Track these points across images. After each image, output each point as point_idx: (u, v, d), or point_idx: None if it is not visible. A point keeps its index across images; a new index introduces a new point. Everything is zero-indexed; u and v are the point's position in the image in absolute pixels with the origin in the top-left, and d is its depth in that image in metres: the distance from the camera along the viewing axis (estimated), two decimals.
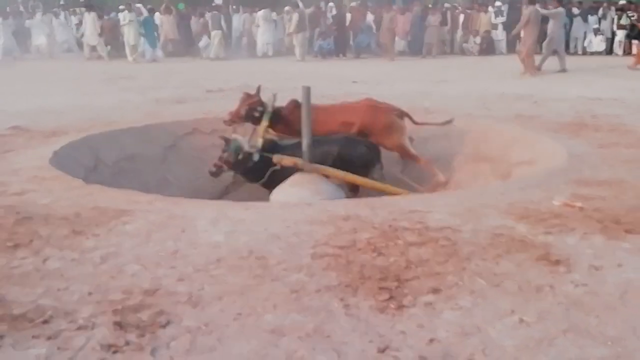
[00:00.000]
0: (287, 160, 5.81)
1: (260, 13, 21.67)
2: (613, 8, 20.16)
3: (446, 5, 22.77)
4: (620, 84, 11.77)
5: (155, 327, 2.55)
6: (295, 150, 5.95)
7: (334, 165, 5.89)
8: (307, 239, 3.56)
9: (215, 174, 6.15)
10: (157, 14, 22.12)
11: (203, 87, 11.92)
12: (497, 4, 21.75)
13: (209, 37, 21.01)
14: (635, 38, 17.73)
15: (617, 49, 19.79)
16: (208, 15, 21.73)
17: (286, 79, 13.10)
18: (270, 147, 6.11)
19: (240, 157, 5.99)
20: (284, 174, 5.86)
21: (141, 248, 3.46)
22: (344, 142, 6.12)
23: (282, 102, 6.48)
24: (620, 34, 19.58)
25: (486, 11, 21.73)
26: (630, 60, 15.81)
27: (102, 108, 9.25)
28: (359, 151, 6.05)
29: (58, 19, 23.44)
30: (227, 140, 6.10)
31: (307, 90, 5.67)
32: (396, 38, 21.20)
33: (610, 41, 20.06)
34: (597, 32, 20.16)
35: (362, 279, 2.98)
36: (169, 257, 3.32)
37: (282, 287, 2.93)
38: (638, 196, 4.33)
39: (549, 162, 5.68)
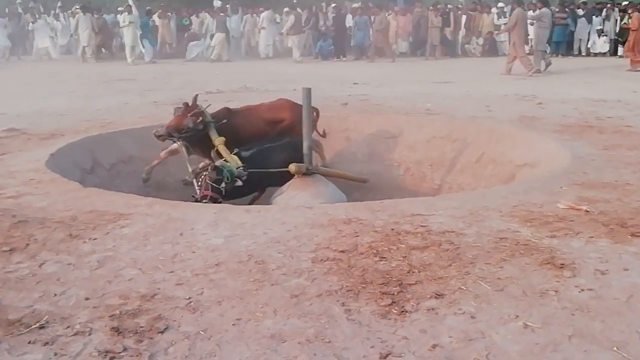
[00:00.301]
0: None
1: (265, 14, 21.69)
2: (617, 9, 20.14)
3: (449, 6, 22.72)
4: (624, 86, 11.74)
5: (153, 333, 2.52)
6: (259, 160, 5.91)
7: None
8: (308, 242, 3.52)
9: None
10: (155, 16, 22.15)
11: (202, 89, 11.87)
12: (500, 5, 21.73)
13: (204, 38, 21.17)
14: (623, 43, 17.74)
15: (621, 50, 19.74)
16: (205, 16, 21.78)
17: (286, 80, 13.08)
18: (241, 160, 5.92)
19: (230, 182, 5.67)
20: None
21: (139, 252, 3.42)
22: (289, 146, 6.16)
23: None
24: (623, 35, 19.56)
25: (489, 12, 21.71)
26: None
27: (99, 110, 9.23)
28: (301, 152, 5.95)
29: (59, 22, 23.47)
30: (216, 169, 5.71)
31: (308, 92, 5.65)
32: (398, 39, 21.20)
33: (614, 42, 20.02)
34: (600, 33, 20.13)
35: (364, 284, 2.94)
36: (167, 261, 3.28)
37: (282, 291, 2.89)
38: None
39: (553, 164, 5.64)
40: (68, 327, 2.57)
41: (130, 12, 19.59)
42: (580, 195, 4.40)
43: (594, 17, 20.44)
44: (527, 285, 2.91)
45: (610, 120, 7.72)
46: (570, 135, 6.75)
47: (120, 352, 2.37)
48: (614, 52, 19.93)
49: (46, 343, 2.45)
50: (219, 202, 5.44)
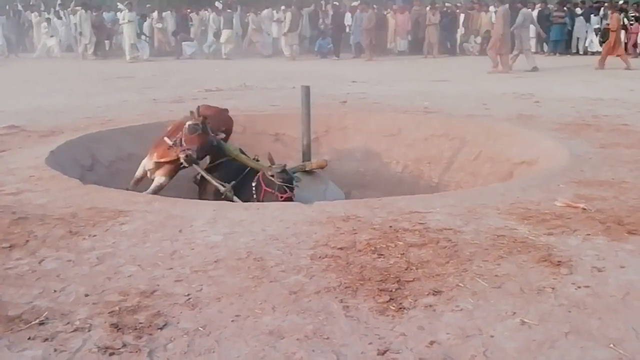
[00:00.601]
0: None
1: (265, 13, 21.70)
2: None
3: (447, 4, 22.71)
4: (622, 84, 11.76)
5: (153, 329, 2.52)
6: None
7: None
8: (306, 240, 3.53)
9: None
10: (154, 13, 22.16)
11: (201, 87, 11.89)
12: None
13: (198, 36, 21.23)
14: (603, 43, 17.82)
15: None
16: (204, 13, 21.77)
17: (285, 78, 13.09)
18: None
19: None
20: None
21: (138, 249, 3.43)
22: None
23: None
24: (621, 35, 19.55)
25: (487, 11, 21.68)
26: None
27: (99, 107, 9.23)
28: None
29: (61, 20, 23.47)
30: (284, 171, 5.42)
31: (307, 90, 5.66)
32: (397, 38, 21.19)
33: None
34: (598, 32, 20.10)
35: (362, 281, 2.96)
36: (166, 258, 3.29)
37: (280, 288, 2.90)
38: None
39: (550, 162, 5.66)
40: (68, 323, 2.58)
41: (130, 10, 19.61)
42: (578, 193, 4.42)
43: (592, 15, 20.45)
44: (524, 283, 2.92)
45: (607, 119, 7.74)
46: (568, 134, 6.76)
47: (119, 348, 2.38)
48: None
49: (46, 339, 2.46)
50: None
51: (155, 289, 2.90)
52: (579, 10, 20.55)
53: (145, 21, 21.81)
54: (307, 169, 5.95)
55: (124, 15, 19.79)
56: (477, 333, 2.48)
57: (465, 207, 4.11)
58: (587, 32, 20.44)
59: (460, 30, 21.86)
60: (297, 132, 6.44)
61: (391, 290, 2.84)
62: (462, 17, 21.97)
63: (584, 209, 4.01)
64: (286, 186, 5.26)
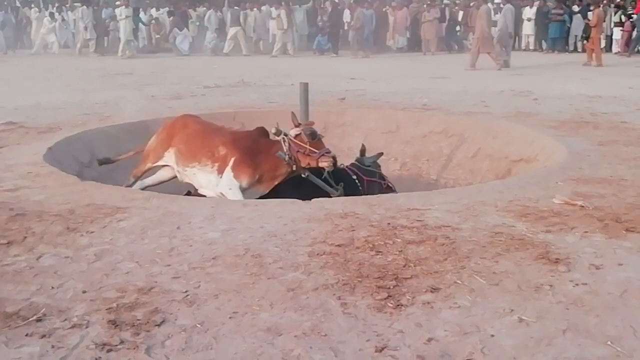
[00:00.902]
0: None
1: (264, 10, 21.70)
2: (612, 5, 20.13)
3: (445, 1, 22.69)
4: (620, 82, 11.76)
5: (150, 326, 2.52)
6: None
7: None
8: (304, 236, 3.53)
9: None
10: (153, 10, 22.15)
11: (200, 83, 11.87)
12: (497, 0, 21.68)
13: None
14: (586, 39, 17.89)
15: (615, 46, 19.77)
16: (204, 10, 21.74)
17: (284, 75, 13.08)
18: None
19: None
20: None
21: (136, 245, 3.43)
22: None
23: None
24: (617, 32, 19.58)
25: None
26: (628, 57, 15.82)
27: (97, 104, 9.20)
28: None
29: (60, 16, 23.44)
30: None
31: (305, 87, 5.66)
32: (396, 34, 21.17)
33: (610, 39, 20.01)
34: None
35: (360, 278, 2.95)
36: (164, 255, 3.28)
37: (278, 285, 2.90)
38: (638, 194, 4.31)
39: (549, 159, 5.66)
40: (65, 319, 2.58)
41: (127, 6, 19.59)
42: (576, 190, 4.42)
43: (589, 13, 20.40)
44: (522, 280, 2.92)
45: (605, 116, 7.74)
46: (566, 131, 6.77)
47: (117, 345, 2.38)
48: (609, 48, 19.93)
49: (43, 336, 2.45)
50: None
51: (153, 285, 2.90)
52: (576, 8, 20.50)
53: (138, 14, 21.75)
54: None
55: (121, 11, 19.77)
56: (474, 330, 2.48)
57: (463, 204, 4.11)
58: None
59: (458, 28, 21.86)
60: None
61: (389, 287, 2.84)
62: (460, 13, 21.94)
63: (582, 206, 4.01)
64: (380, 174, 5.54)
